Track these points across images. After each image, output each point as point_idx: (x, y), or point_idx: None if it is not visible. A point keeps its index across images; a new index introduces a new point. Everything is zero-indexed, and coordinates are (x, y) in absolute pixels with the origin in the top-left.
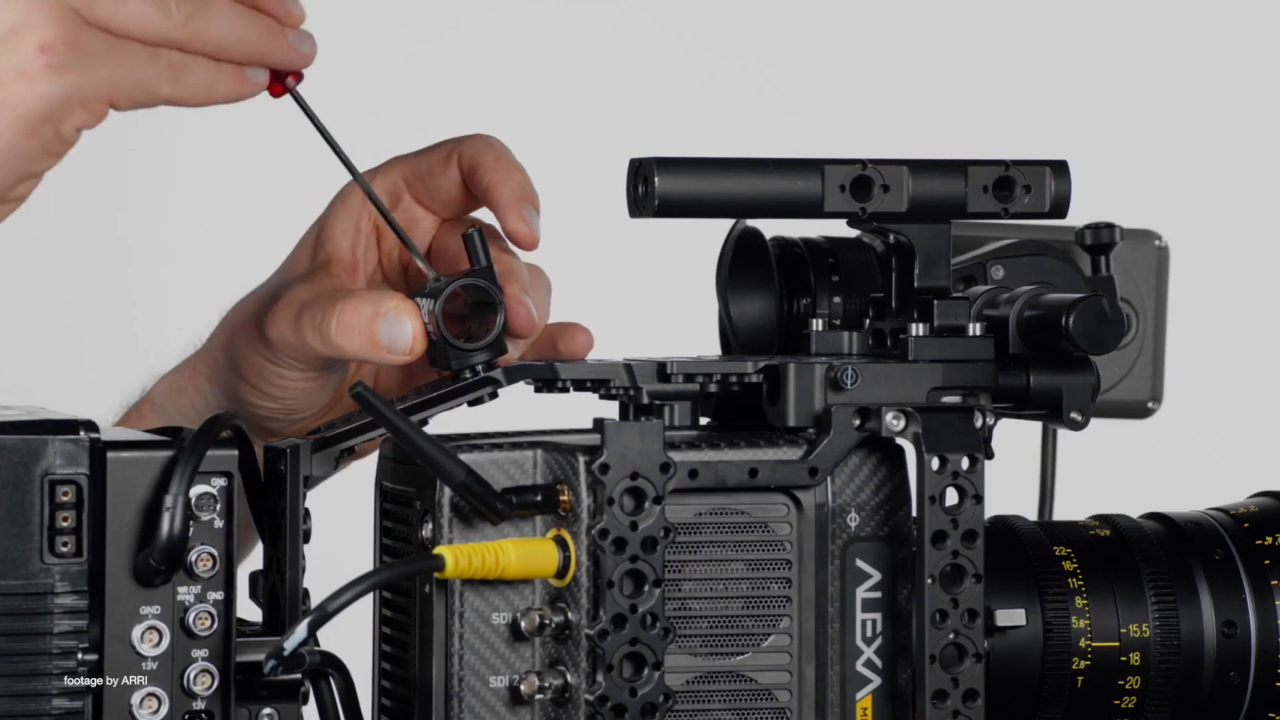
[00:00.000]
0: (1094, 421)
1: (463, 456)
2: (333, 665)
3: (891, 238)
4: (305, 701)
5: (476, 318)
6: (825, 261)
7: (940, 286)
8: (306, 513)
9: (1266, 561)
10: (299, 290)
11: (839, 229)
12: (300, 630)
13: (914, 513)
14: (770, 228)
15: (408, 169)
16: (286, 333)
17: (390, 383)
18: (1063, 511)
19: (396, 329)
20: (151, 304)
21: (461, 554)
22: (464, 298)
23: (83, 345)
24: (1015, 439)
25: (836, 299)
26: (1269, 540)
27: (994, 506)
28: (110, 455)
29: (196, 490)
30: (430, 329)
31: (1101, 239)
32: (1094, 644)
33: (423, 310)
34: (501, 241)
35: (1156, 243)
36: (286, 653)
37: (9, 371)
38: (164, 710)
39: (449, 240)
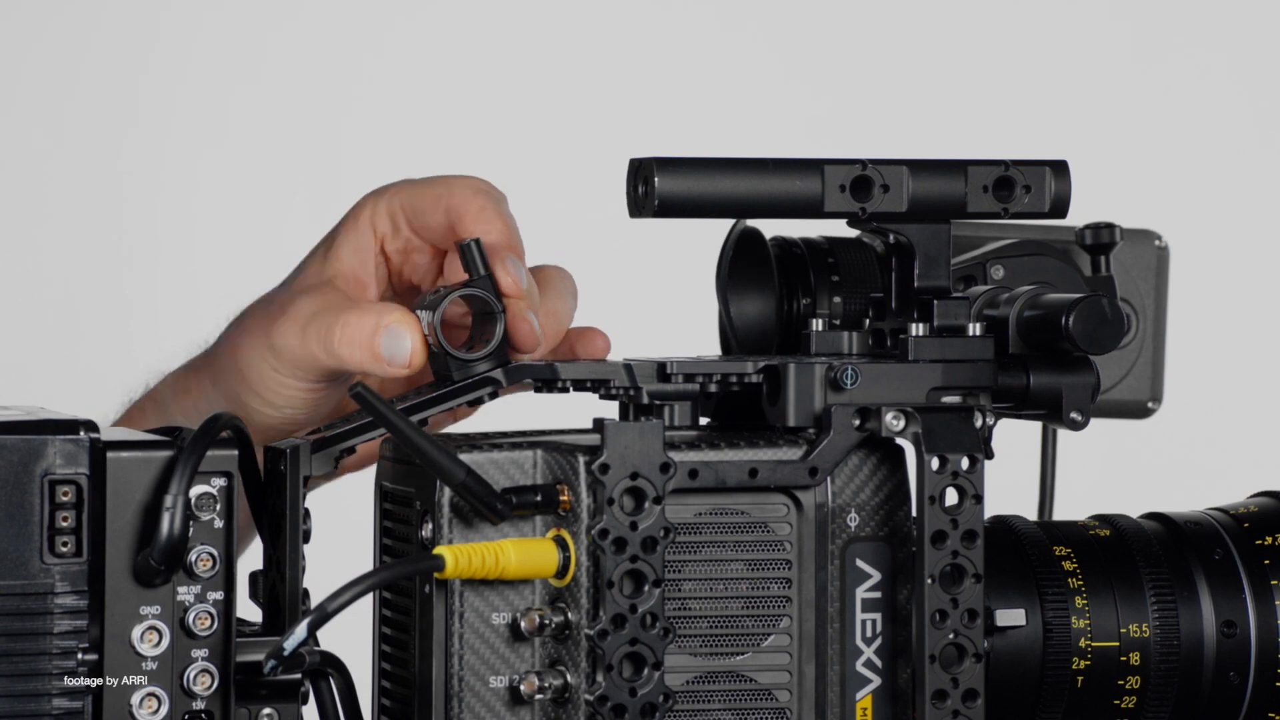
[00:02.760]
0: (1094, 421)
1: (463, 456)
2: (332, 665)
3: (891, 238)
4: (305, 701)
5: (477, 327)
6: (825, 261)
7: (940, 286)
8: (306, 513)
9: (1266, 561)
10: (306, 302)
11: (839, 229)
12: (300, 630)
13: (914, 513)
14: (770, 228)
15: (405, 199)
16: (292, 343)
17: (398, 386)
18: (1063, 511)
19: (397, 342)
20: (150, 304)
21: (461, 554)
22: (464, 308)
23: (83, 345)
24: (1015, 439)
25: (836, 299)
26: (1269, 540)
27: (994, 506)
28: (110, 455)
29: (196, 490)
30: (431, 340)
31: (1101, 239)
32: (1094, 644)
33: (423, 322)
34: (506, 259)
35: (1156, 243)
36: (286, 653)
37: (9, 371)
38: (164, 710)
39: (451, 268)
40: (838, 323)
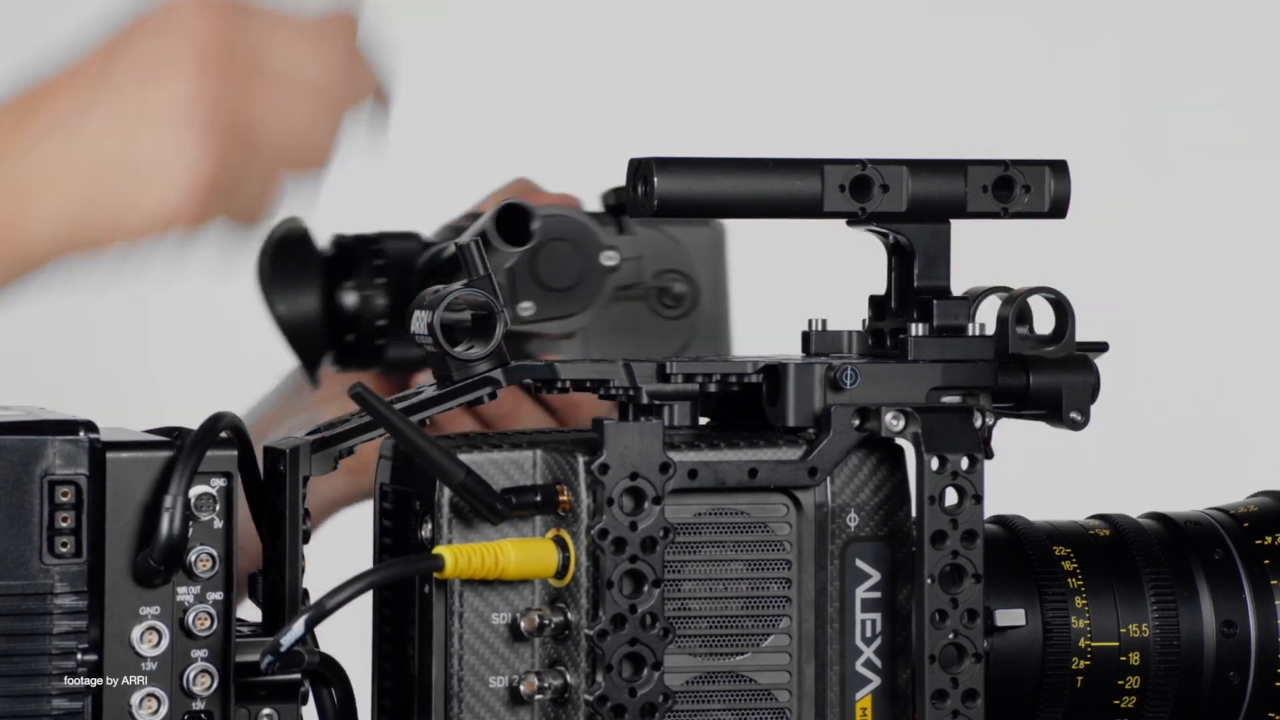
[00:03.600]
0: (1093, 421)
1: (463, 456)
2: (332, 671)
3: (891, 238)
4: (305, 702)
5: (477, 327)
6: (369, 250)
7: (940, 286)
8: (306, 513)
9: (1266, 561)
10: None
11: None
12: (297, 626)
13: (914, 513)
14: (764, 228)
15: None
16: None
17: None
18: (1063, 511)
19: None
20: (153, 304)
21: (461, 554)
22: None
23: (84, 345)
24: (1015, 439)
25: (381, 280)
26: (1269, 540)
27: (994, 506)
28: (110, 455)
29: (196, 490)
30: (430, 341)
31: (623, 199)
32: (1094, 644)
33: (422, 322)
34: None
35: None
36: (283, 648)
37: (9, 371)
38: (163, 710)
39: None
40: (383, 302)
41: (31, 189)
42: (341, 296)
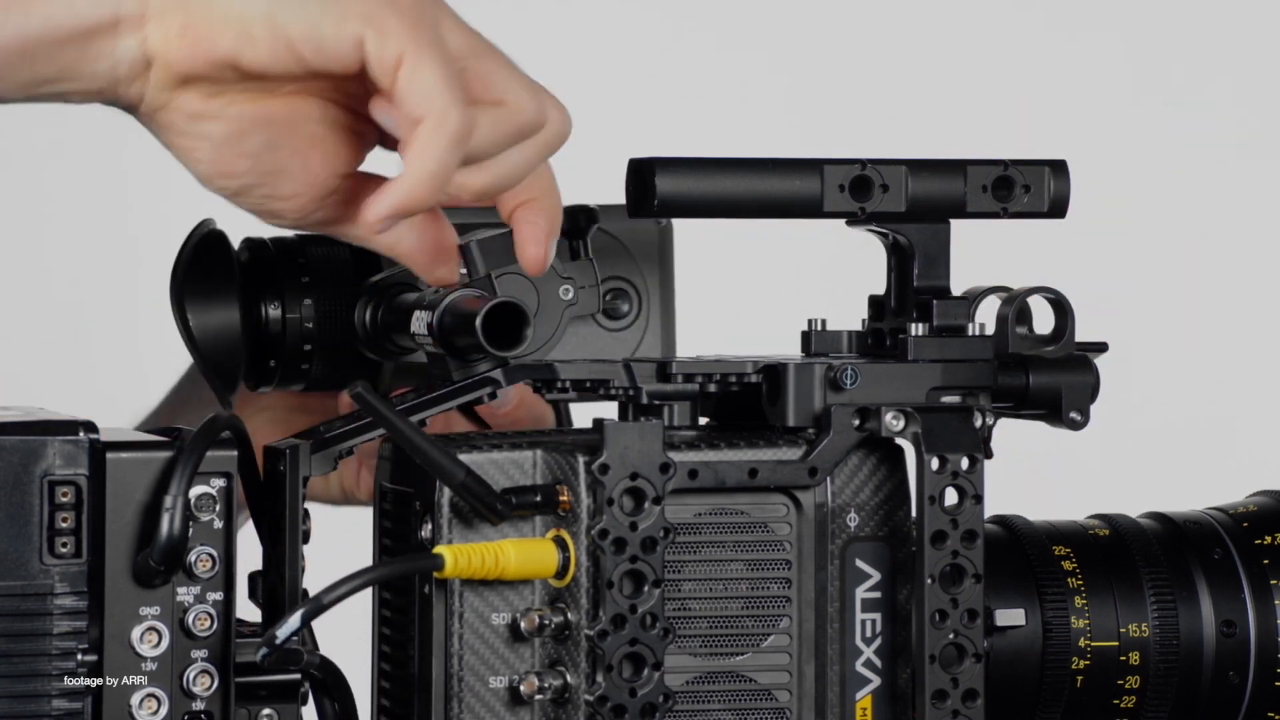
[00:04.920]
0: (1093, 421)
1: (462, 456)
2: (332, 676)
3: (891, 238)
4: (305, 702)
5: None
6: (295, 262)
7: (940, 286)
8: (306, 513)
9: (1266, 561)
10: None
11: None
12: (294, 620)
13: (914, 513)
14: (768, 229)
15: None
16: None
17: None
18: (1063, 511)
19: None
20: (155, 304)
21: (461, 554)
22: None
23: (85, 346)
24: (1015, 439)
25: (308, 301)
26: (1268, 540)
27: (994, 506)
28: (110, 456)
29: (196, 491)
30: (430, 341)
31: (579, 223)
32: (1093, 644)
33: (422, 322)
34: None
35: (659, 220)
36: (279, 640)
37: (9, 371)
38: (163, 711)
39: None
40: (310, 325)
41: None
42: (265, 315)
